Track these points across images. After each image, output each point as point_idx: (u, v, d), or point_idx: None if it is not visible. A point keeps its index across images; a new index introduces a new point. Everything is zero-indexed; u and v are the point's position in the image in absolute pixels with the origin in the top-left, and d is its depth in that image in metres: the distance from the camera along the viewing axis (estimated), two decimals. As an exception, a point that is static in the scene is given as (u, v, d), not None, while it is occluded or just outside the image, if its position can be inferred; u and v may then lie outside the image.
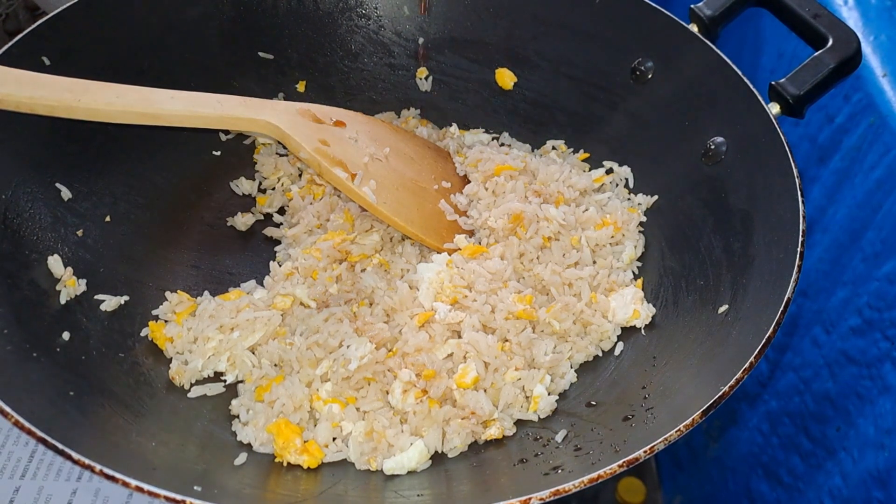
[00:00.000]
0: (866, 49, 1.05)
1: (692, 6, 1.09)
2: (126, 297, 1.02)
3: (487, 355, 0.95)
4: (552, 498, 0.70)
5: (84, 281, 0.99)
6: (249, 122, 1.02)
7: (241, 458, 0.88)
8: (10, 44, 1.01)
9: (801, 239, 0.87)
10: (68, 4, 1.06)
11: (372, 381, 0.94)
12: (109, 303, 1.00)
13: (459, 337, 0.97)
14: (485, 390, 0.94)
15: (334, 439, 0.91)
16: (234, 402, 0.95)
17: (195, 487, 0.74)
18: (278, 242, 1.14)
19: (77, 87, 0.93)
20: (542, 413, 0.94)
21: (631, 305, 1.02)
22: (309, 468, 0.88)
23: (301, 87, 1.26)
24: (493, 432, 0.92)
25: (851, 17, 1.08)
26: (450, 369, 0.94)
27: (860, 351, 1.04)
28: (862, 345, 1.04)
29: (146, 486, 0.69)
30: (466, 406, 0.91)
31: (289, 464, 0.88)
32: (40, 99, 0.91)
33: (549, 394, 0.96)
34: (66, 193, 1.03)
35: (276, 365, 0.97)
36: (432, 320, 0.98)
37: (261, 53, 1.23)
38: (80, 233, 1.03)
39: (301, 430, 0.91)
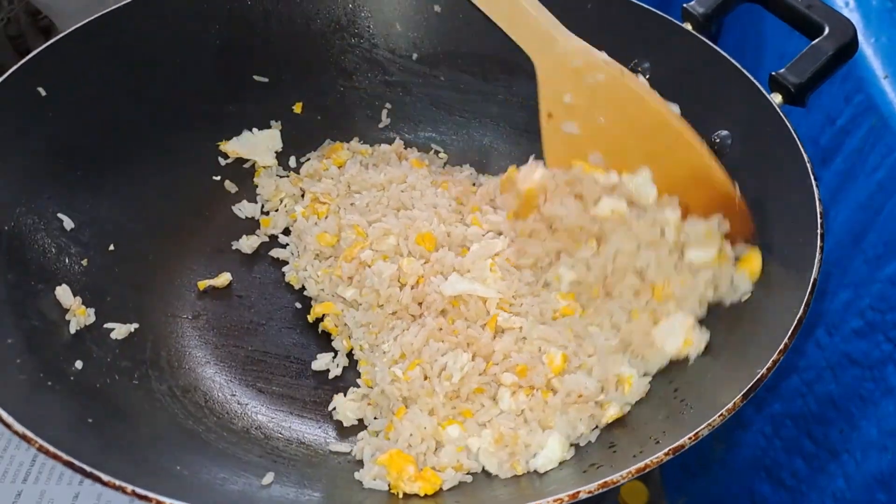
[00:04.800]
0: (867, 51, 1.06)
1: (685, 5, 1.10)
2: (136, 325, 1.00)
3: (562, 340, 0.94)
4: (600, 490, 0.69)
5: (93, 310, 0.97)
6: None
7: None
8: (5, 76, 0.99)
9: (819, 220, 0.87)
10: (60, 36, 1.05)
11: (480, 391, 0.92)
12: (119, 331, 0.98)
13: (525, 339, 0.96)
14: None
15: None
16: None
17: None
18: (286, 263, 1.12)
19: None
20: (633, 397, 0.92)
21: (681, 335, 0.97)
22: (426, 495, 0.85)
23: (298, 108, 1.25)
24: (612, 413, 0.89)
25: (852, 19, 1.08)
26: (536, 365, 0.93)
27: (863, 353, 1.03)
28: (864, 347, 1.03)
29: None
30: (572, 390, 0.89)
31: (405, 494, 0.85)
32: None
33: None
34: (68, 223, 1.01)
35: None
36: (498, 326, 0.97)
37: (255, 77, 1.22)
38: (84, 262, 1.01)
39: (412, 458, 0.88)
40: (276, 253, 1.13)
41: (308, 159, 1.24)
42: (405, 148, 1.26)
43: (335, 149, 1.24)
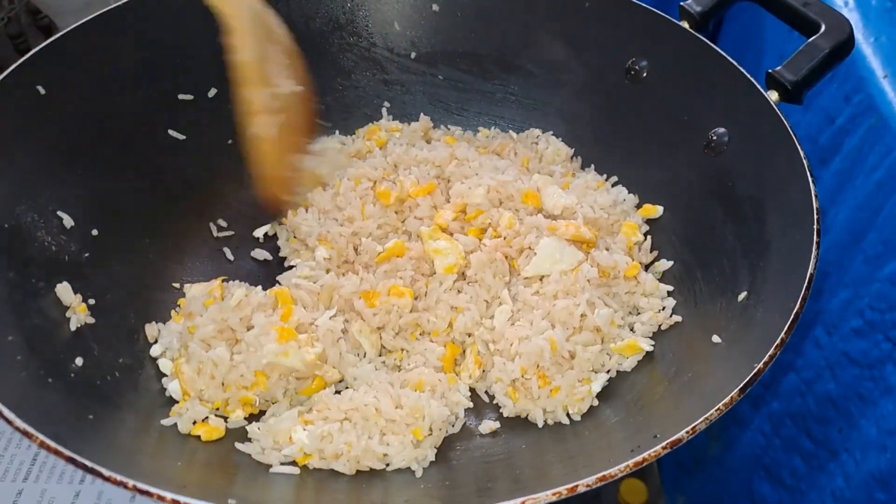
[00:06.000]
0: (867, 50, 1.07)
1: (682, 3, 1.10)
2: (136, 324, 1.01)
3: None
4: (598, 484, 0.69)
5: (93, 307, 0.98)
6: None
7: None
8: (5, 74, 0.99)
9: (816, 217, 0.87)
10: (59, 35, 1.05)
11: None
12: (120, 328, 0.99)
13: None
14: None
15: None
16: None
17: (230, 500, 0.73)
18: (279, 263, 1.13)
19: None
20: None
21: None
22: None
23: None
24: None
25: (852, 19, 1.08)
26: None
27: (862, 352, 1.04)
28: (864, 346, 1.03)
29: (182, 499, 0.67)
30: None
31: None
32: None
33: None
34: (68, 221, 1.01)
35: None
36: None
37: (255, 76, 1.22)
38: (85, 259, 1.01)
39: None
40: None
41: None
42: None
43: (373, 130, 1.24)
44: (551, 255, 1.02)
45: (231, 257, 1.14)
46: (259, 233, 1.16)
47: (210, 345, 0.95)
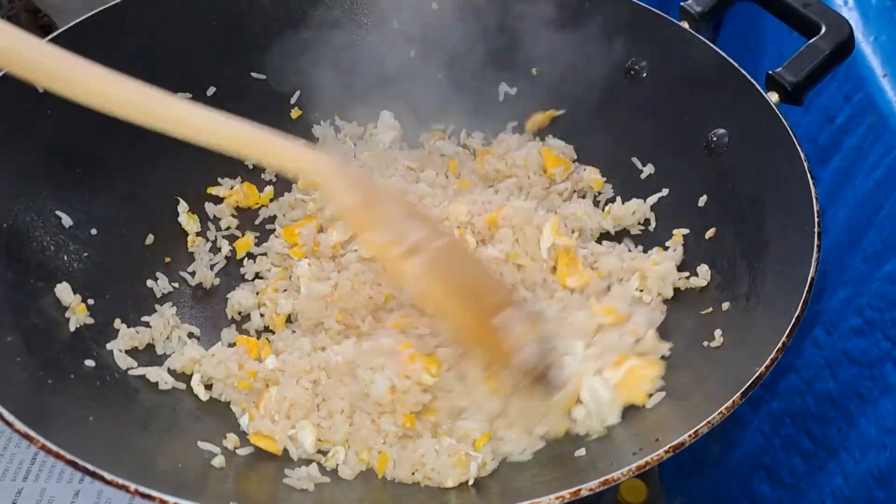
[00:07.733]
0: (866, 49, 1.07)
1: (682, 4, 1.10)
2: (136, 325, 1.00)
3: None
4: (601, 488, 0.69)
5: (92, 307, 0.98)
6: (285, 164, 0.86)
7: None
8: (2, 73, 0.99)
9: (816, 219, 0.87)
10: (57, 33, 1.05)
11: None
12: (119, 329, 0.98)
13: None
14: None
15: None
16: None
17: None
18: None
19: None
20: None
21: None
22: None
23: (295, 115, 1.26)
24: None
25: (851, 18, 1.09)
26: None
27: (861, 351, 1.04)
28: (863, 345, 1.03)
29: (183, 502, 0.67)
30: None
31: None
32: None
33: None
34: (66, 221, 1.01)
35: None
36: None
37: (253, 74, 1.22)
38: (84, 259, 1.01)
39: None
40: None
41: None
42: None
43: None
44: None
45: (229, 255, 1.14)
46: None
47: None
